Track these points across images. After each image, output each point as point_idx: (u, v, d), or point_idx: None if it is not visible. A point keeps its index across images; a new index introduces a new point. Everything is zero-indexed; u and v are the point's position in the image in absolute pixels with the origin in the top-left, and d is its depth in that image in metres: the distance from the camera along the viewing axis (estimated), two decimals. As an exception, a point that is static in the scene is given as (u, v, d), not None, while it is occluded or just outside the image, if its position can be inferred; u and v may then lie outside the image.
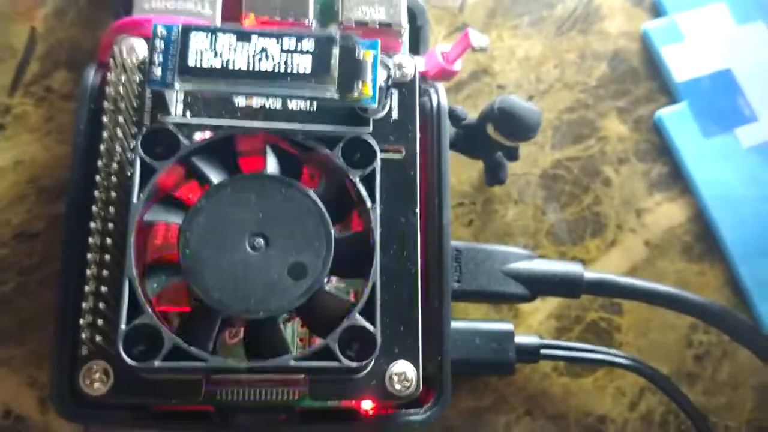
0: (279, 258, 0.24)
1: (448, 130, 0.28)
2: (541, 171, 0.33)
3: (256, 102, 0.27)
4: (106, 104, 0.25)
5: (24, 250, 0.29)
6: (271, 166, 0.25)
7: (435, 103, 0.28)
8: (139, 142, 0.24)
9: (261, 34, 0.25)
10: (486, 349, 0.28)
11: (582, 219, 0.33)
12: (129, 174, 0.25)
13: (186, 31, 0.24)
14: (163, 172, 0.24)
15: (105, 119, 0.25)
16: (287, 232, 0.24)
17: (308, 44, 0.25)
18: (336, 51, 0.25)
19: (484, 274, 0.28)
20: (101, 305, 0.23)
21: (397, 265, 0.26)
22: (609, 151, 0.34)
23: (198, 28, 0.25)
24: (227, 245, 0.24)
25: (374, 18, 0.28)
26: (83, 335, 0.23)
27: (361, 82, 0.25)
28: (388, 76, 0.26)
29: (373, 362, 0.24)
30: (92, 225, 0.24)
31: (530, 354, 0.28)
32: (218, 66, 0.24)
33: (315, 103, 0.27)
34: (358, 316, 0.23)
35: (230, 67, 0.24)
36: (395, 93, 0.27)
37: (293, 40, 0.25)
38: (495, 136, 0.29)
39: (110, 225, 0.24)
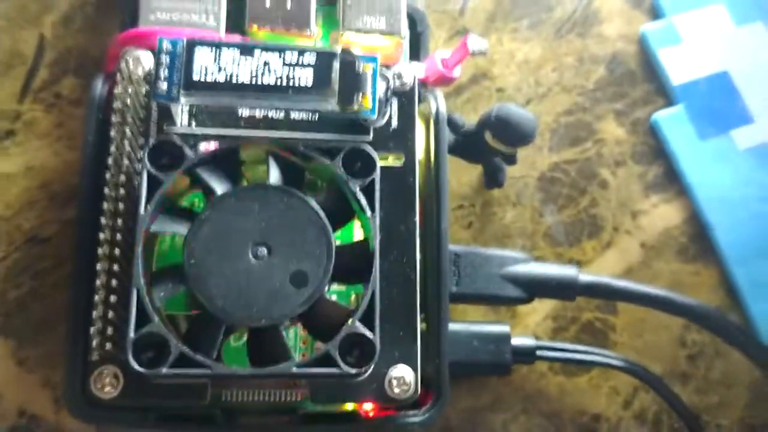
0: (281, 267, 0.25)
1: (447, 137, 0.29)
2: (539, 173, 0.34)
3: (260, 112, 0.27)
4: (113, 118, 0.26)
5: (36, 254, 0.30)
6: (274, 176, 0.26)
7: (434, 110, 0.29)
8: (145, 155, 0.25)
9: (264, 49, 0.25)
10: (483, 351, 0.29)
11: (579, 221, 0.34)
12: (136, 184, 0.26)
13: (191, 46, 0.25)
14: (169, 184, 0.25)
15: (112, 133, 0.26)
16: (289, 241, 0.25)
17: (309, 58, 0.26)
18: (337, 65, 0.26)
19: (481, 277, 0.29)
20: (110, 314, 0.24)
21: (397, 272, 0.27)
22: (606, 153, 0.34)
23: (202, 43, 0.25)
24: (231, 254, 0.24)
25: (375, 27, 0.29)
26: (94, 342, 0.24)
27: (360, 95, 0.26)
28: (387, 88, 0.27)
29: (372, 367, 0.25)
30: (101, 236, 0.25)
31: (526, 355, 0.29)
32: (222, 80, 0.25)
33: (317, 113, 0.27)
34: (357, 323, 0.24)
35: (234, 80, 0.25)
36: (395, 101, 0.28)
37: (295, 54, 0.26)
38: (493, 143, 0.30)
39: (118, 235, 0.25)
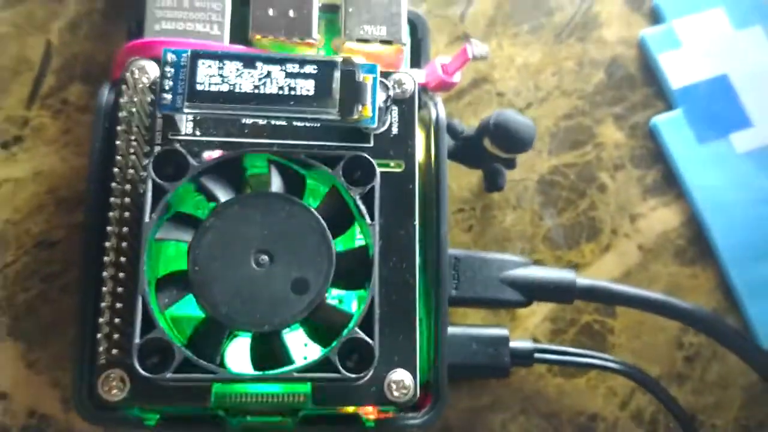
0: (282, 274, 0.25)
1: (447, 143, 0.30)
2: (538, 177, 0.34)
3: (262, 120, 0.28)
4: (119, 127, 0.27)
5: (44, 258, 0.31)
6: (276, 184, 0.27)
7: (434, 116, 0.29)
8: (150, 165, 0.25)
9: (266, 60, 0.26)
10: (482, 354, 0.29)
11: (578, 224, 0.34)
12: (141, 191, 0.26)
13: (195, 57, 0.26)
14: (173, 192, 0.26)
15: (118, 141, 0.26)
16: (290, 248, 0.25)
17: (311, 68, 0.26)
18: (338, 74, 0.26)
19: (480, 281, 0.30)
20: (117, 320, 0.25)
21: (397, 277, 0.27)
22: (605, 157, 0.35)
23: (206, 55, 0.26)
24: (234, 262, 0.25)
25: (376, 35, 0.30)
26: (101, 347, 0.25)
27: (360, 105, 0.26)
28: (388, 97, 0.28)
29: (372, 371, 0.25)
30: (107, 243, 0.25)
31: (524, 358, 0.30)
32: (225, 90, 0.26)
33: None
34: (357, 329, 0.25)
35: (236, 90, 0.26)
36: (395, 108, 0.29)
37: (296, 65, 0.26)
38: (492, 149, 0.30)
39: (124, 243, 0.26)
